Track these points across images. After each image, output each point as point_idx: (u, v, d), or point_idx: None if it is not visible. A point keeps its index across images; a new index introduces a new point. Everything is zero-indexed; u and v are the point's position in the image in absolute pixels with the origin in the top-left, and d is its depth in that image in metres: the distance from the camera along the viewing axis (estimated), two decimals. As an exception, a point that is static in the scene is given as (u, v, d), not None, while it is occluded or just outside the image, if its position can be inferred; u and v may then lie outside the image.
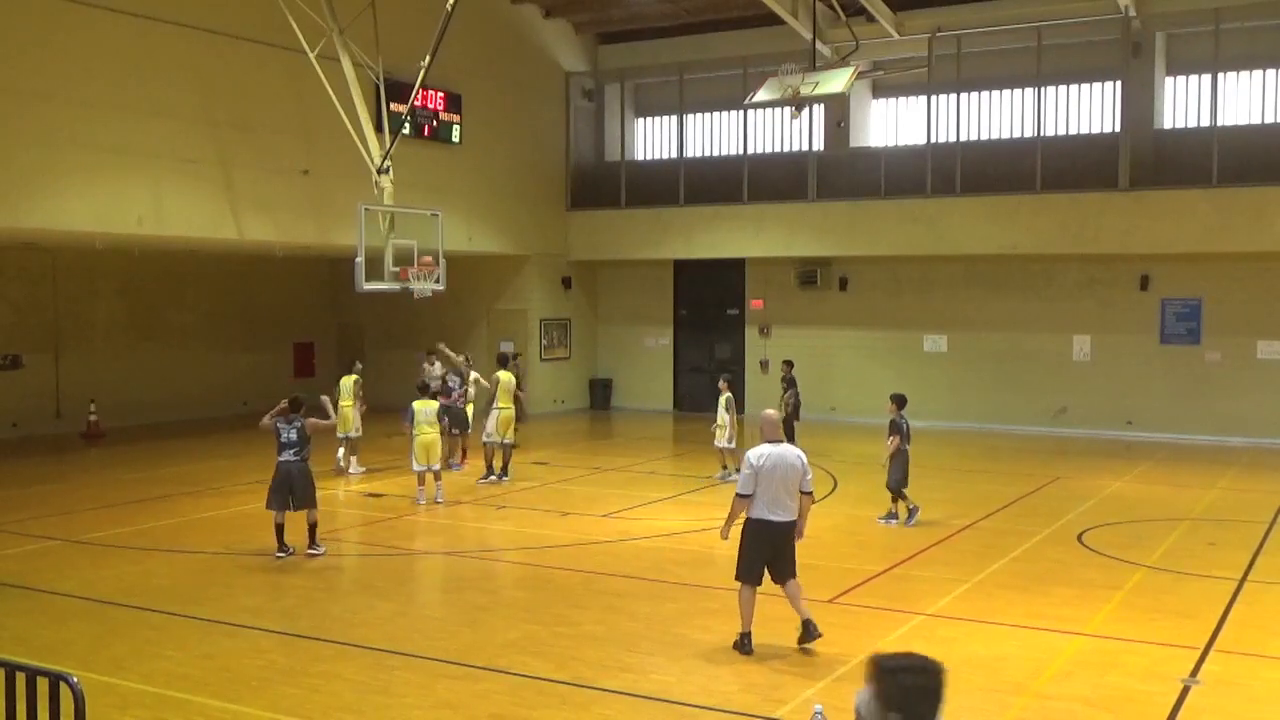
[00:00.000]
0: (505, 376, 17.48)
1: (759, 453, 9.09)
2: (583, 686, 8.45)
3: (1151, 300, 23.21)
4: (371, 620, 10.27)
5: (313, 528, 12.64)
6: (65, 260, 23.57)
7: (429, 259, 19.01)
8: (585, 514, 15.27)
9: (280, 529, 12.51)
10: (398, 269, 18.38)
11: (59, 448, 21.77)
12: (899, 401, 14.62)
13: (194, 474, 18.35)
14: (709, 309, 27.89)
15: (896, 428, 14.44)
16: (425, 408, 15.96)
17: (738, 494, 9.18)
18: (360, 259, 17.61)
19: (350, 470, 18.25)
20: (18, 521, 14.48)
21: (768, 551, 9.18)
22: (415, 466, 15.78)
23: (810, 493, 9.35)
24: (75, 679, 5.59)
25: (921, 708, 3.43)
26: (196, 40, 18.85)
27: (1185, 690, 8.40)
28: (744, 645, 9.19)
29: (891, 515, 14.52)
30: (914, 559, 12.57)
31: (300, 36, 18.01)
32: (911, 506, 14.48)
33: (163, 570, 12.20)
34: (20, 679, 5.75)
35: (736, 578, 9.30)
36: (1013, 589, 11.32)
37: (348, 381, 18.38)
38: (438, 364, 20.33)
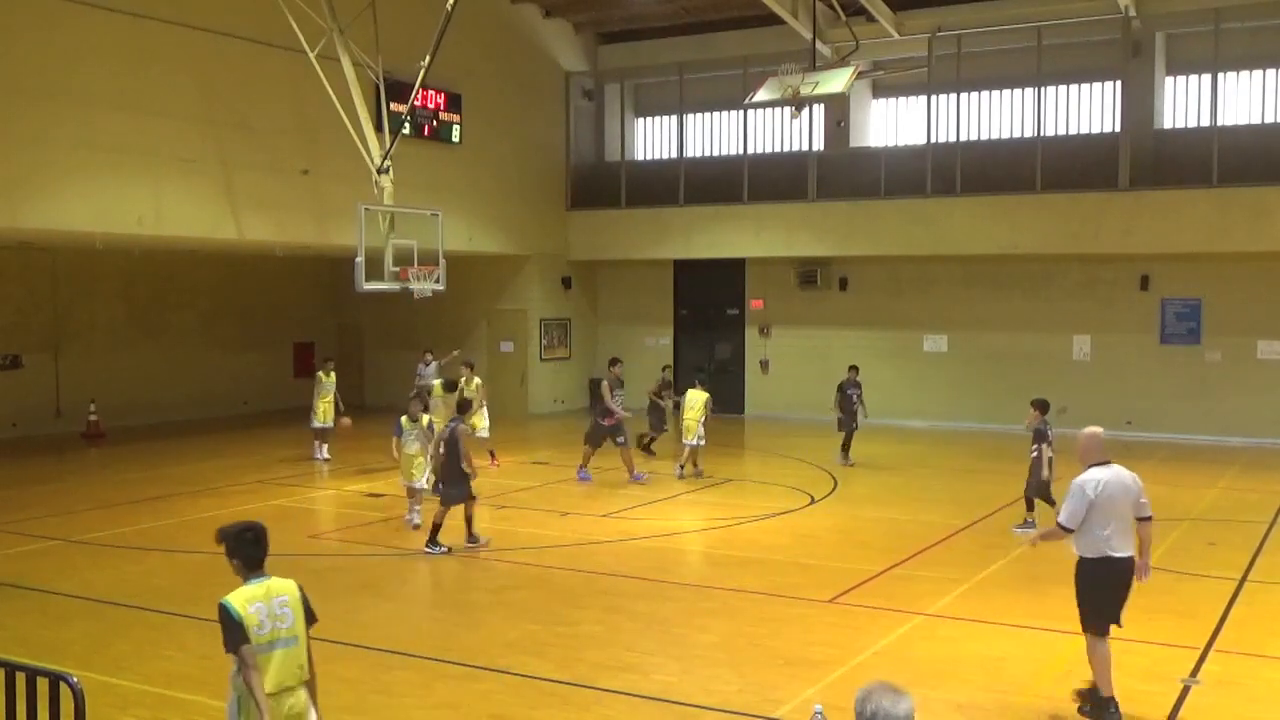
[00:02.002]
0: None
1: (1094, 480, 7.78)
2: (583, 686, 8.45)
3: (1151, 300, 23.19)
4: (371, 620, 10.26)
5: (467, 521, 13.25)
6: (65, 260, 23.55)
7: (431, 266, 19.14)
8: (585, 514, 15.27)
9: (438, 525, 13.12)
10: (398, 269, 18.38)
11: (59, 448, 21.75)
12: (1041, 407, 13.99)
13: (194, 474, 18.34)
14: (709, 309, 27.85)
15: (1041, 435, 13.81)
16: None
17: (1062, 525, 7.83)
18: (360, 259, 17.60)
19: (316, 456, 19.62)
20: (18, 521, 14.48)
21: (1122, 593, 7.88)
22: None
23: (1149, 518, 7.96)
24: (75, 679, 5.61)
25: (250, 550, 5.70)
26: (196, 40, 18.82)
27: (1185, 690, 8.40)
28: (1111, 711, 7.71)
29: (1028, 523, 13.83)
30: (914, 559, 12.57)
31: (300, 36, 17.98)
32: (1029, 518, 13.84)
33: (163, 570, 12.21)
34: (20, 679, 5.76)
35: (1086, 629, 7.95)
36: (1013, 589, 11.32)
37: (328, 380, 19.80)
38: (433, 365, 20.42)
